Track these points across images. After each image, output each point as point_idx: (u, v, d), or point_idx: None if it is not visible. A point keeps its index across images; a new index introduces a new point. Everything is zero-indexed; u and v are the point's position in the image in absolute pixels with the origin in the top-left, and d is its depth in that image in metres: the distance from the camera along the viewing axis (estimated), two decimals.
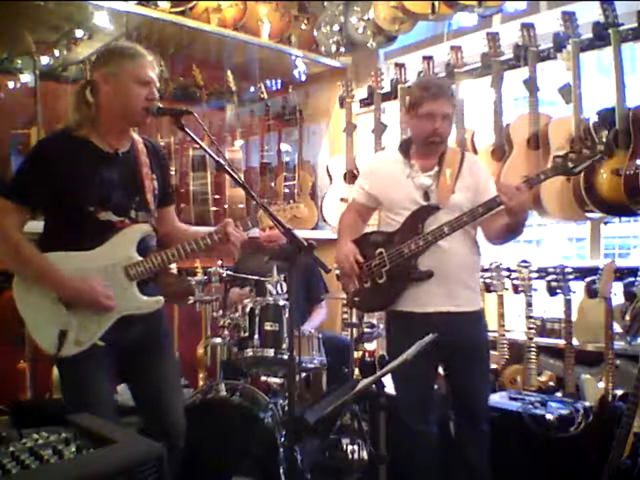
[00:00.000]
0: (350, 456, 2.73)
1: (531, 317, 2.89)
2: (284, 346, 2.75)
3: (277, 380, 2.95)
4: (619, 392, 2.46)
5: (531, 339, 2.86)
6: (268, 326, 2.79)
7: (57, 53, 3.56)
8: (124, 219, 1.97)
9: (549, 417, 2.48)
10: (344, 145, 4.05)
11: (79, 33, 3.46)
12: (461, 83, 3.35)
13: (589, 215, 2.86)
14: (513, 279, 3.03)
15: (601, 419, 2.44)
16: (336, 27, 4.09)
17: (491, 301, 3.10)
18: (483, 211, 2.24)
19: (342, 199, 3.94)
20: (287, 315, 2.79)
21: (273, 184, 4.38)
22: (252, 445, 2.59)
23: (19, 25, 3.20)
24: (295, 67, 4.29)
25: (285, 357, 2.72)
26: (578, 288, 2.91)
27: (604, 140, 2.60)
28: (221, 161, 1.94)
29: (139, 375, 2.09)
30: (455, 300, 2.31)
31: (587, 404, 2.57)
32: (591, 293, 2.89)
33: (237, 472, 2.59)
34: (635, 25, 2.81)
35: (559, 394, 2.80)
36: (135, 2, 3.31)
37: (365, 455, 2.70)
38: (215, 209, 3.91)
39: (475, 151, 3.26)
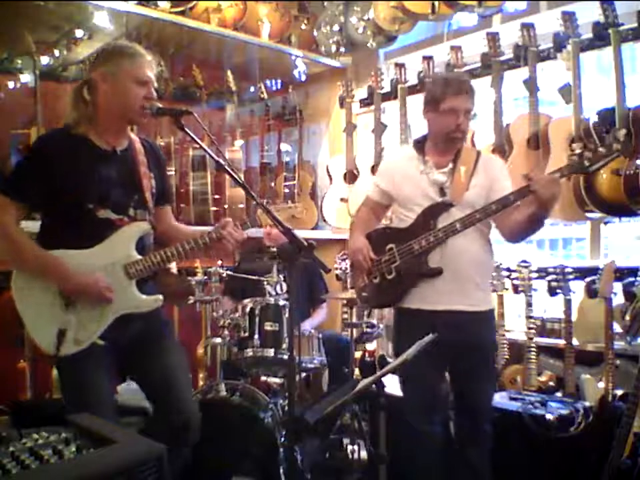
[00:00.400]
0: (350, 456, 2.73)
1: (531, 317, 2.89)
2: (284, 346, 2.75)
3: (277, 380, 2.95)
4: (619, 392, 2.46)
5: (531, 338, 2.86)
6: (268, 326, 2.79)
7: (57, 52, 3.56)
8: (123, 217, 1.98)
9: (548, 416, 2.48)
10: (344, 144, 4.05)
11: (79, 32, 3.46)
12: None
13: (588, 215, 2.86)
14: (513, 279, 3.03)
15: (601, 419, 2.44)
16: (336, 27, 4.09)
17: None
18: (497, 207, 2.22)
19: (342, 199, 3.94)
20: (286, 315, 2.80)
21: (273, 184, 4.38)
22: (252, 445, 2.59)
23: (19, 24, 3.20)
24: (295, 67, 4.29)
25: (285, 357, 2.72)
26: (578, 288, 2.91)
27: (621, 139, 2.56)
28: (221, 161, 1.94)
29: (144, 369, 2.09)
30: (465, 299, 2.29)
31: (587, 404, 2.56)
32: (591, 292, 2.89)
33: (237, 472, 2.59)
34: (635, 24, 2.81)
35: (559, 394, 2.80)
36: (135, 2, 3.31)
37: (364, 455, 2.70)
38: (214, 208, 3.91)
39: None
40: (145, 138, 2.16)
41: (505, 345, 3.01)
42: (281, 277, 3.27)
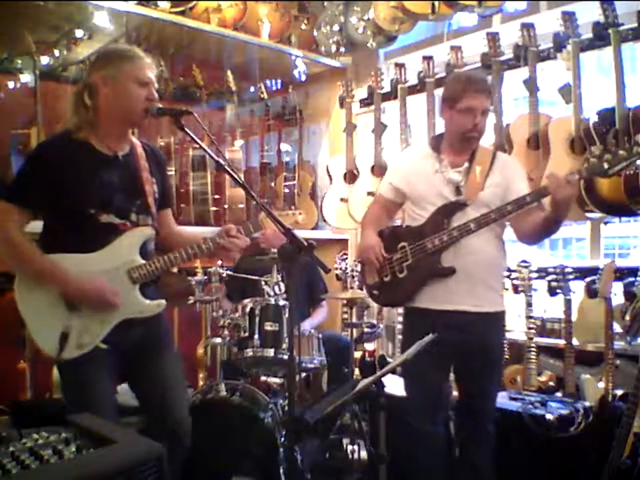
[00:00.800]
0: (350, 456, 2.73)
1: (531, 317, 2.89)
2: (284, 346, 2.75)
3: (277, 380, 2.96)
4: (619, 392, 2.46)
5: (531, 338, 2.86)
6: (268, 326, 2.79)
7: (57, 52, 3.56)
8: (125, 222, 1.98)
9: (548, 416, 2.48)
10: (344, 144, 4.05)
11: (79, 32, 3.46)
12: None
13: (588, 215, 2.86)
14: (513, 279, 3.03)
15: (601, 419, 2.44)
16: (336, 27, 4.09)
17: None
18: (512, 208, 2.20)
19: (342, 199, 3.94)
20: (286, 315, 2.80)
21: (273, 184, 4.38)
22: (252, 445, 2.59)
23: (19, 24, 3.20)
24: (295, 67, 4.29)
25: (285, 357, 2.72)
26: (578, 288, 2.91)
27: None
28: (221, 161, 1.94)
29: (141, 375, 2.10)
30: (476, 299, 2.27)
31: (587, 404, 2.56)
32: (591, 292, 2.89)
33: (237, 472, 2.59)
34: (635, 24, 2.81)
35: (559, 394, 2.80)
36: (135, 2, 3.31)
37: (364, 455, 2.70)
38: (214, 208, 3.91)
39: None
40: (146, 142, 2.16)
41: (505, 345, 3.01)
42: (279, 277, 3.27)
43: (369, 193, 3.76)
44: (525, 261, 2.97)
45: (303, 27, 4.21)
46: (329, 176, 4.07)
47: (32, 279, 1.91)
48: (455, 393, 2.74)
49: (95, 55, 2.04)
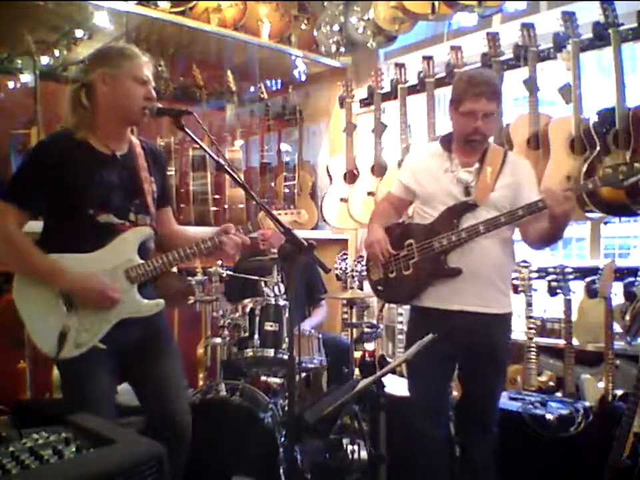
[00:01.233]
0: (350, 456, 2.73)
1: (531, 317, 2.89)
2: (284, 346, 2.75)
3: (277, 380, 2.96)
4: (619, 392, 2.46)
5: (531, 338, 2.86)
6: (268, 326, 2.79)
7: (57, 52, 3.56)
8: (124, 222, 1.97)
9: (548, 416, 2.48)
10: (344, 144, 4.05)
11: (78, 33, 3.47)
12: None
13: (588, 215, 2.86)
14: (513, 278, 3.03)
15: (601, 419, 2.44)
16: (336, 27, 4.09)
17: None
18: (523, 213, 2.18)
19: (342, 199, 3.94)
20: (286, 315, 2.80)
21: (273, 184, 4.38)
22: (252, 445, 2.59)
23: (19, 24, 3.20)
24: (295, 67, 4.29)
25: (285, 356, 2.72)
26: (578, 288, 2.91)
27: None
28: (221, 161, 1.93)
29: (141, 375, 2.10)
30: (482, 300, 2.25)
31: (587, 404, 2.57)
32: (591, 292, 2.89)
33: (237, 472, 2.59)
34: (635, 24, 2.81)
35: (558, 394, 2.80)
36: (135, 2, 3.31)
37: (364, 455, 2.70)
38: (214, 208, 3.91)
39: None
40: (145, 140, 2.15)
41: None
42: (279, 277, 3.27)
43: (369, 193, 3.77)
44: (525, 261, 2.97)
45: (303, 26, 4.21)
46: (329, 176, 4.07)
47: (31, 277, 1.91)
48: (455, 393, 2.75)
49: (92, 53, 2.03)
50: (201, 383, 3.48)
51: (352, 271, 3.67)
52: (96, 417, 1.41)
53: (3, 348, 3.02)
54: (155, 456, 1.23)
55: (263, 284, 3.32)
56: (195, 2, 3.61)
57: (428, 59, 3.56)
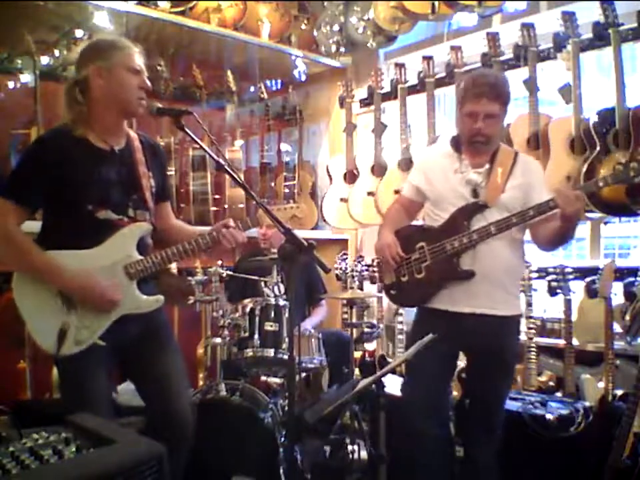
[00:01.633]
0: (350, 456, 2.73)
1: (530, 317, 2.89)
2: (284, 346, 2.75)
3: (277, 380, 2.96)
4: (619, 392, 2.46)
5: (531, 338, 2.86)
6: (268, 326, 2.79)
7: (57, 52, 3.55)
8: (123, 218, 1.97)
9: (549, 416, 2.48)
10: (344, 144, 4.05)
11: (78, 33, 3.46)
12: (461, 83, 3.34)
13: (588, 215, 2.86)
14: None
15: (601, 419, 2.44)
16: (336, 27, 4.09)
17: None
18: (534, 213, 2.17)
19: (342, 199, 3.94)
20: (286, 315, 2.80)
21: (272, 184, 4.38)
22: (252, 444, 2.59)
23: (19, 24, 3.20)
24: (295, 67, 4.29)
25: (285, 356, 2.72)
26: (578, 288, 2.91)
27: None
28: (221, 161, 1.94)
29: (142, 371, 2.09)
30: (494, 302, 2.24)
31: (587, 404, 2.57)
32: (591, 293, 2.89)
33: (237, 472, 2.59)
34: (635, 24, 2.81)
35: (558, 394, 2.80)
36: (135, 2, 3.31)
37: (364, 455, 2.70)
38: (214, 208, 3.91)
39: None
40: (143, 134, 2.14)
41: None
42: (279, 277, 3.27)
43: (369, 193, 3.77)
44: (525, 261, 2.97)
45: (303, 27, 4.21)
46: (329, 176, 4.07)
47: (33, 276, 1.91)
48: (455, 393, 2.75)
49: (83, 48, 2.02)
50: (201, 382, 3.48)
51: (352, 270, 3.67)
52: (96, 417, 1.41)
53: (3, 348, 3.02)
54: (155, 456, 1.23)
55: (263, 284, 3.32)
56: (194, 2, 3.61)
57: (428, 58, 3.56)
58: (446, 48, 3.49)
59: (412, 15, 3.53)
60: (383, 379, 2.01)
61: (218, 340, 2.94)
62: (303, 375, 3.08)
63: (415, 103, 3.77)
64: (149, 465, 1.20)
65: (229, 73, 4.10)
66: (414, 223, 2.58)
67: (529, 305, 2.90)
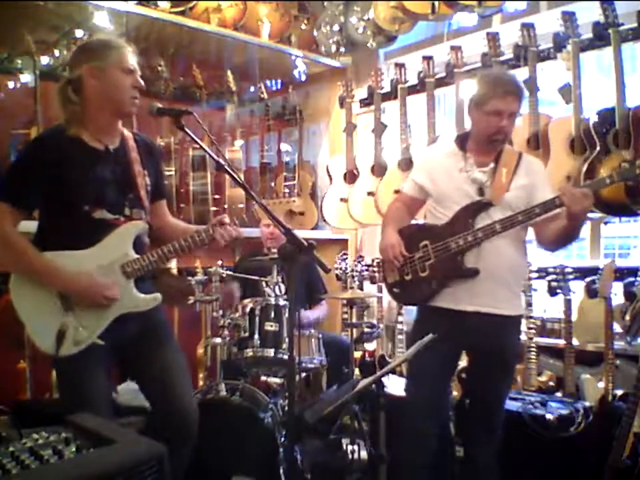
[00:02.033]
0: (350, 456, 2.73)
1: (530, 317, 2.89)
2: (284, 346, 2.75)
3: (277, 380, 2.96)
4: (619, 392, 2.46)
5: (531, 338, 2.86)
6: (268, 326, 2.79)
7: (57, 52, 3.55)
8: (118, 217, 1.97)
9: (549, 416, 2.48)
10: (344, 144, 4.05)
11: (78, 33, 3.46)
12: (461, 83, 3.34)
13: (589, 214, 2.85)
14: None
15: (601, 419, 2.44)
16: (336, 27, 4.09)
17: None
18: (540, 211, 2.17)
19: (342, 199, 3.94)
20: (286, 315, 2.80)
21: (272, 184, 4.38)
22: (252, 445, 2.59)
23: (19, 24, 3.20)
24: (295, 67, 4.29)
25: (285, 356, 2.72)
26: (578, 288, 2.91)
27: None
28: (221, 161, 1.93)
29: (143, 369, 2.09)
30: (497, 302, 2.24)
31: (587, 404, 2.57)
32: (591, 293, 2.89)
33: (237, 472, 2.59)
34: (635, 24, 2.81)
35: (558, 394, 2.80)
36: (135, 2, 3.31)
37: (364, 455, 2.70)
38: (214, 209, 3.91)
39: None
40: (137, 133, 2.14)
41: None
42: (279, 278, 3.27)
43: (369, 193, 3.77)
44: (527, 262, 2.97)
45: (303, 27, 4.21)
46: (329, 176, 4.07)
47: (30, 277, 1.91)
48: (455, 393, 2.75)
49: (76, 48, 2.02)
50: (201, 382, 3.48)
51: (352, 270, 3.67)
52: (96, 417, 1.41)
53: (2, 348, 3.02)
54: (155, 456, 1.23)
55: (264, 284, 3.32)
56: (194, 2, 3.60)
57: (428, 58, 3.56)
58: (446, 48, 3.49)
59: (412, 14, 3.53)
60: (382, 379, 2.01)
61: (218, 340, 2.94)
62: (303, 374, 3.08)
63: (415, 103, 3.77)
64: (148, 465, 1.20)
65: (228, 72, 4.10)
66: (416, 221, 2.58)
67: (529, 305, 2.90)
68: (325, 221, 4.08)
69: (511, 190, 2.26)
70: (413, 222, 2.55)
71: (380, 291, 3.56)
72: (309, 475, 2.61)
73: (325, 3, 4.15)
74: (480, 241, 2.22)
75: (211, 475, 2.58)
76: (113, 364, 2.04)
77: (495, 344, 2.26)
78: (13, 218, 1.89)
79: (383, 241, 2.45)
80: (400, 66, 3.73)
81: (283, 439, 2.59)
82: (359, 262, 3.69)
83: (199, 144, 1.99)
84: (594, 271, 2.79)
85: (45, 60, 3.46)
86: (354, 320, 3.31)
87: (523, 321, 2.89)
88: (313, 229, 4.26)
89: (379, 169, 3.77)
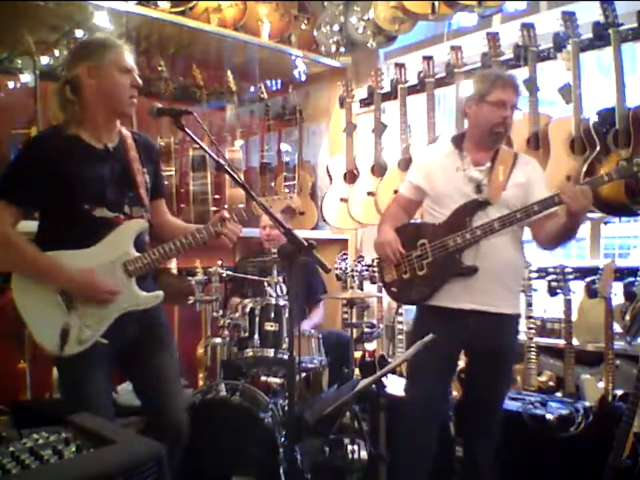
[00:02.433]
0: (350, 456, 2.74)
1: (531, 317, 2.89)
2: (284, 346, 2.75)
3: (277, 380, 2.96)
4: (619, 392, 2.46)
5: (531, 338, 2.86)
6: (268, 326, 2.79)
7: (57, 52, 3.55)
8: (119, 215, 1.97)
9: (549, 416, 2.48)
10: (344, 144, 4.05)
11: (78, 33, 3.46)
12: (461, 83, 3.34)
13: (589, 214, 2.86)
14: None
15: (600, 419, 2.44)
16: (336, 27, 4.09)
17: None
18: (539, 208, 2.17)
19: (342, 199, 3.94)
20: (286, 315, 2.80)
21: (272, 184, 4.38)
22: (252, 445, 2.59)
23: (19, 24, 3.20)
24: (295, 67, 4.29)
25: (285, 357, 2.72)
26: (578, 288, 2.91)
27: None
28: (221, 161, 1.93)
29: (140, 369, 2.09)
30: (494, 300, 2.24)
31: (587, 404, 2.56)
32: (591, 292, 2.89)
33: (237, 472, 2.59)
34: (635, 24, 2.81)
35: (558, 394, 2.80)
36: (135, 2, 3.31)
37: (364, 455, 2.71)
38: (214, 209, 3.91)
39: None
40: (136, 132, 2.14)
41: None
42: (280, 278, 3.27)
43: (369, 193, 3.77)
44: (525, 261, 2.97)
45: (303, 27, 4.21)
46: (329, 176, 4.07)
47: (32, 277, 1.91)
48: (455, 393, 2.75)
49: (73, 48, 2.01)
50: (201, 382, 3.48)
51: (352, 270, 3.67)
52: (96, 417, 1.41)
53: (2, 348, 3.02)
54: (154, 456, 1.23)
55: (266, 284, 3.32)
56: (194, 2, 3.60)
57: (428, 59, 3.56)
58: (446, 48, 3.49)
59: (412, 14, 3.53)
60: (382, 379, 2.01)
61: (218, 340, 2.95)
62: (303, 374, 3.08)
63: (415, 103, 3.77)
64: (148, 465, 1.20)
65: (228, 73, 4.10)
66: (413, 220, 2.57)
67: (529, 304, 2.90)
68: (324, 220, 4.08)
69: (507, 188, 2.27)
70: (411, 221, 2.55)
71: (380, 290, 3.56)
72: (308, 475, 2.61)
73: (325, 3, 4.15)
74: (478, 239, 2.22)
75: (211, 475, 2.58)
76: (114, 364, 2.04)
77: (492, 343, 2.26)
78: (12, 218, 1.89)
79: (379, 237, 2.46)
80: (400, 66, 3.73)
81: (282, 439, 2.59)
82: (359, 262, 3.69)
83: (198, 144, 1.98)
84: (594, 270, 2.79)
85: (45, 60, 3.46)
86: (354, 320, 3.31)
87: (523, 321, 2.90)
88: (312, 229, 4.27)
89: (379, 169, 3.77)
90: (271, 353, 2.75)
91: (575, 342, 2.77)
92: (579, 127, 2.82)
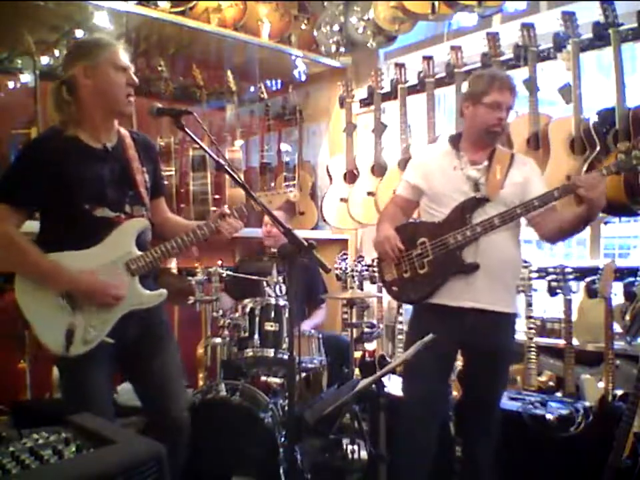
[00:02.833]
0: (350, 456, 2.73)
1: (531, 317, 2.89)
2: (284, 346, 2.75)
3: (277, 380, 2.96)
4: (619, 392, 2.46)
5: (531, 338, 2.86)
6: (268, 326, 2.79)
7: (57, 52, 3.55)
8: (120, 214, 1.97)
9: (549, 416, 2.48)
10: (344, 144, 4.05)
11: (78, 33, 3.46)
12: (461, 83, 3.34)
13: None
14: None
15: (600, 419, 2.44)
16: (336, 27, 4.09)
17: None
18: (539, 204, 2.19)
19: (342, 199, 3.94)
20: (286, 315, 2.80)
21: (272, 184, 4.38)
22: (252, 445, 2.59)
23: (19, 24, 3.20)
24: (295, 67, 4.29)
25: (285, 356, 2.72)
26: (578, 288, 2.91)
27: None
28: (221, 161, 1.94)
29: (142, 368, 2.09)
30: (494, 298, 2.25)
31: (587, 404, 2.56)
32: (591, 292, 2.89)
33: (237, 472, 2.59)
34: (635, 24, 2.81)
35: (558, 394, 2.80)
36: (135, 2, 3.31)
37: (364, 455, 2.70)
38: (214, 209, 3.91)
39: None
40: (134, 131, 2.14)
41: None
42: (280, 278, 3.27)
43: (369, 193, 3.77)
44: (525, 261, 2.96)
45: (303, 27, 4.21)
46: (329, 176, 4.07)
47: (35, 279, 1.90)
48: (455, 393, 2.74)
49: (68, 48, 2.01)
50: (201, 382, 3.48)
51: (352, 270, 3.67)
52: (96, 417, 1.41)
53: (2, 348, 3.02)
54: (154, 456, 1.23)
55: (265, 284, 3.32)
56: (194, 2, 3.60)
57: (428, 58, 3.56)
58: (446, 48, 3.49)
59: (412, 14, 3.53)
60: (382, 379, 2.01)
61: (218, 340, 2.95)
62: (303, 374, 3.08)
63: (415, 103, 3.77)
64: (148, 465, 1.20)
65: (228, 73, 4.10)
66: (412, 220, 2.58)
67: (529, 304, 2.90)
68: (324, 220, 4.08)
69: (505, 187, 2.29)
70: (410, 220, 2.56)
71: (380, 290, 3.56)
72: (308, 475, 2.61)
73: (325, 3, 4.14)
74: (478, 236, 2.23)
75: (211, 475, 2.58)
76: (116, 364, 2.04)
77: (490, 342, 2.26)
78: (14, 219, 1.89)
79: (377, 235, 2.46)
80: (400, 66, 3.73)
81: (282, 439, 2.59)
82: (359, 262, 3.69)
83: (198, 144, 1.99)
84: (594, 270, 2.79)
85: (45, 60, 3.46)
86: (354, 320, 3.31)
87: (523, 321, 2.90)
88: (312, 229, 4.27)
89: (378, 169, 3.77)
90: (270, 353, 2.75)
91: (575, 342, 2.77)
92: (579, 127, 2.82)
